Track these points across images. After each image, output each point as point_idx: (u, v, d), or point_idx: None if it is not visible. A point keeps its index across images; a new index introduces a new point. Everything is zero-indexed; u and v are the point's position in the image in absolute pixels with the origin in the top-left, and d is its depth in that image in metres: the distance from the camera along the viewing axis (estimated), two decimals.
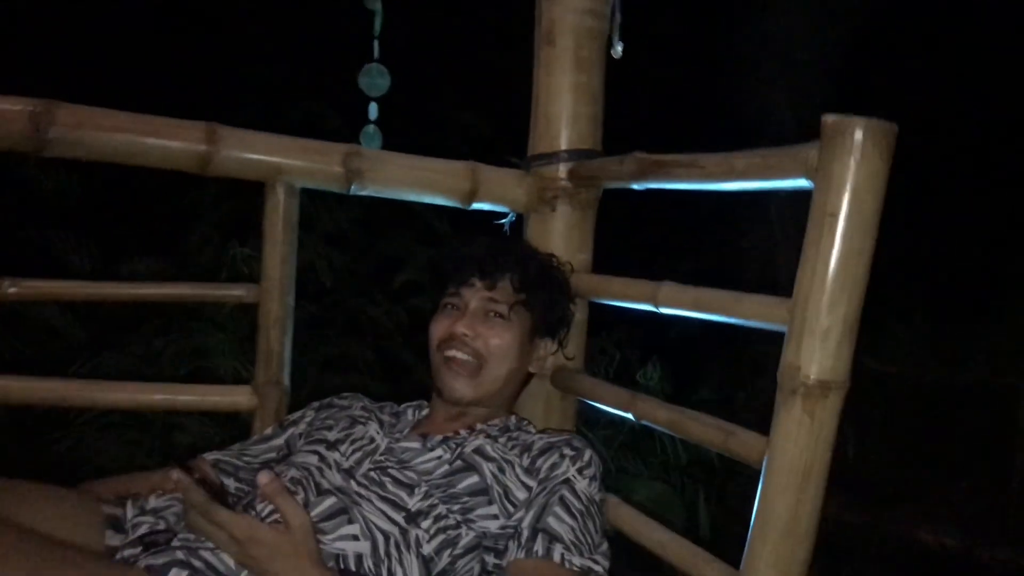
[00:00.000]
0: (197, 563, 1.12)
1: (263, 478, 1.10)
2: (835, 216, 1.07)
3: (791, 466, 1.11)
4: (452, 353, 1.47)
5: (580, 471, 1.38)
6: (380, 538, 1.24)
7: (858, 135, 1.06)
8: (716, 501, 3.07)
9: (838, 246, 1.07)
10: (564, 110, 1.69)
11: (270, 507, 1.18)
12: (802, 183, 1.14)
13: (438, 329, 1.51)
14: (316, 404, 1.61)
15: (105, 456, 2.65)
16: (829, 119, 1.08)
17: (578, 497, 1.34)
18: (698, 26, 5.33)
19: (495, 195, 1.72)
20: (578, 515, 1.32)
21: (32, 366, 2.96)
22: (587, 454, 1.41)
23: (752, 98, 4.87)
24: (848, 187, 1.06)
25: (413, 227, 4.07)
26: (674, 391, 3.33)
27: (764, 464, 1.14)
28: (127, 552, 1.18)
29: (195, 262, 3.33)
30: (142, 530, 1.23)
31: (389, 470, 1.35)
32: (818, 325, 1.08)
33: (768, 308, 1.18)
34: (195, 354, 2.95)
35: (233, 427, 2.55)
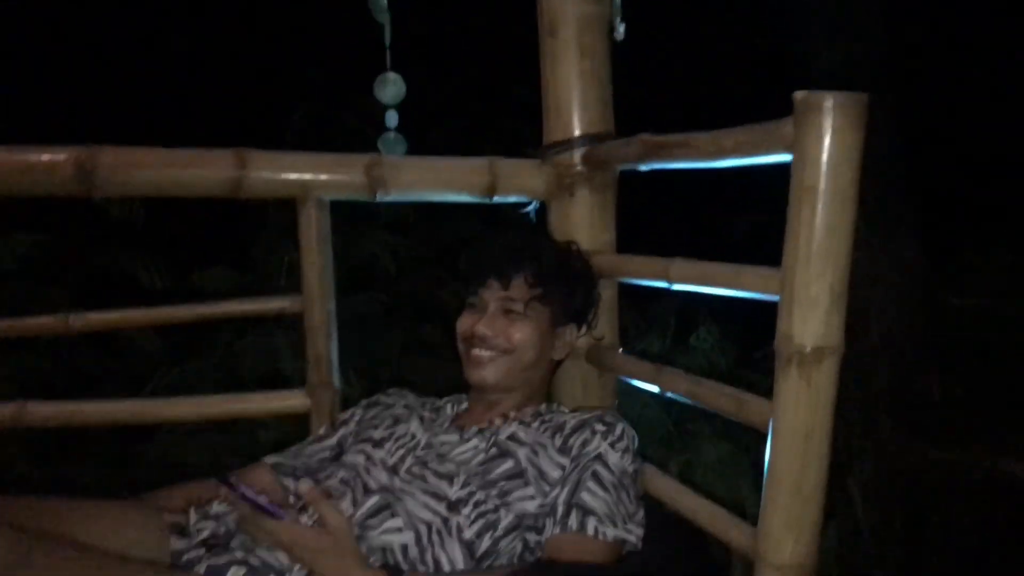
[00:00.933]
0: (254, 561, 1.24)
1: (303, 487, 1.21)
2: (813, 189, 1.11)
3: (793, 430, 1.16)
4: (476, 352, 1.57)
5: (612, 445, 1.44)
6: (423, 528, 1.34)
7: (828, 109, 1.09)
8: None
9: (819, 217, 1.11)
10: (573, 98, 1.75)
11: None
12: (784, 157, 1.18)
13: (461, 326, 1.61)
14: (364, 402, 1.72)
15: (192, 461, 2.82)
16: (799, 95, 1.12)
17: (610, 470, 1.41)
18: None
19: (515, 187, 1.79)
20: (611, 488, 1.39)
21: (119, 381, 3.18)
22: (619, 428, 1.47)
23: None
24: (823, 160, 1.10)
25: (474, 208, 4.14)
26: (739, 350, 3.34)
27: (770, 428, 1.20)
28: (192, 554, 1.30)
29: (263, 268, 3.48)
30: (204, 534, 1.35)
31: (429, 464, 1.45)
32: (807, 295, 1.13)
33: (762, 279, 1.23)
34: (268, 357, 3.10)
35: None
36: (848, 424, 3.67)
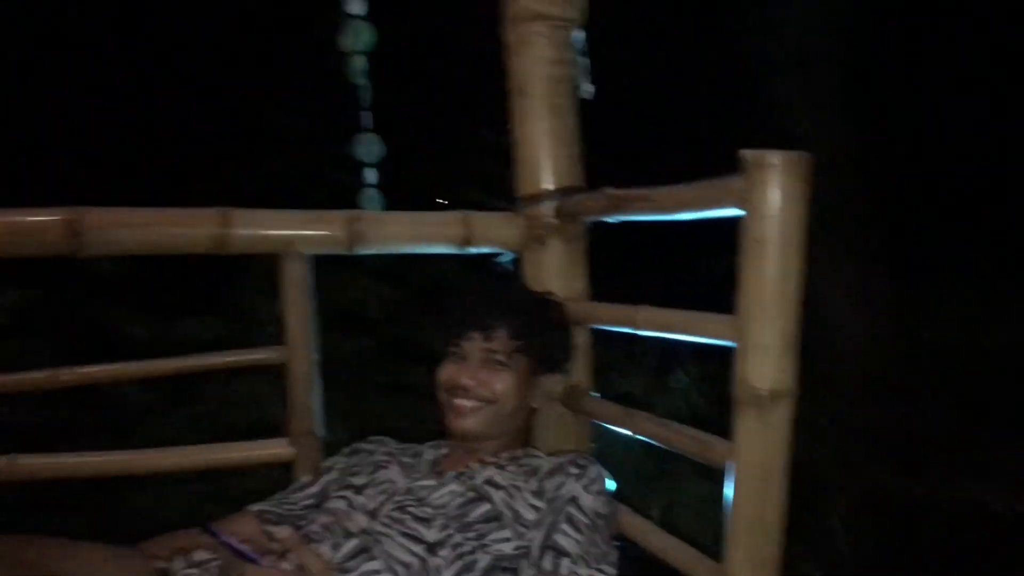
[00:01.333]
0: None
1: (283, 532, 1.25)
2: (762, 242, 1.18)
3: (751, 470, 1.23)
4: (458, 402, 1.61)
5: (586, 488, 1.49)
6: (401, 570, 1.39)
7: (774, 167, 1.17)
8: None
9: (769, 268, 1.18)
10: (542, 154, 1.83)
11: None
12: (736, 211, 1.25)
13: (443, 376, 1.65)
14: (347, 450, 1.77)
15: (177, 510, 2.85)
16: (747, 154, 1.20)
17: (584, 513, 1.46)
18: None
19: (489, 238, 1.86)
20: (584, 529, 1.44)
21: (106, 432, 3.21)
22: (592, 470, 1.53)
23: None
24: (771, 215, 1.17)
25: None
26: (719, 389, 3.39)
27: (730, 468, 1.26)
28: None
29: (249, 317, 3.52)
30: None
31: (408, 508, 1.50)
32: (760, 341, 1.20)
33: (719, 326, 1.30)
34: (256, 405, 3.14)
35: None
36: (826, 460, 3.71)
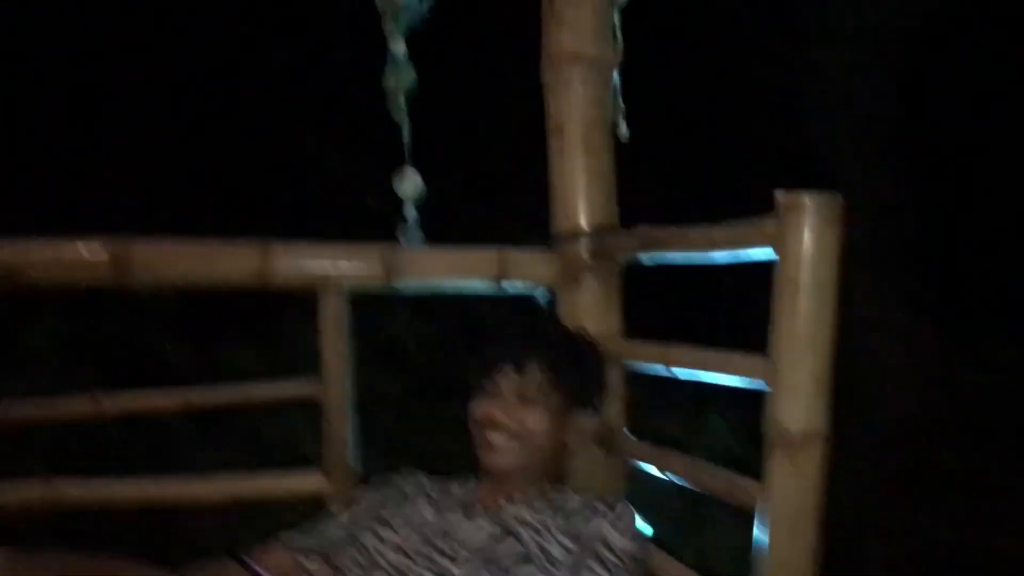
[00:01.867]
0: None
1: (312, 566, 1.27)
2: (795, 283, 1.19)
3: (781, 511, 1.22)
4: (491, 437, 1.61)
5: (614, 526, 1.48)
6: None
7: (808, 210, 1.18)
8: None
9: (801, 308, 1.18)
10: (579, 192, 1.85)
11: None
12: (769, 252, 1.26)
13: (476, 411, 1.64)
14: (377, 482, 1.78)
15: (211, 535, 2.88)
16: (781, 196, 1.20)
17: (613, 552, 1.45)
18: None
19: (524, 275, 1.88)
20: (612, 568, 1.43)
21: (147, 459, 3.26)
22: (621, 509, 1.52)
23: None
24: (803, 257, 1.18)
25: None
26: (750, 430, 3.37)
27: (759, 511, 1.25)
28: None
29: (288, 346, 3.57)
30: None
31: (435, 543, 1.50)
32: (792, 382, 1.20)
33: (751, 365, 1.30)
34: (291, 435, 3.17)
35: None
36: (864, 504, 3.66)
